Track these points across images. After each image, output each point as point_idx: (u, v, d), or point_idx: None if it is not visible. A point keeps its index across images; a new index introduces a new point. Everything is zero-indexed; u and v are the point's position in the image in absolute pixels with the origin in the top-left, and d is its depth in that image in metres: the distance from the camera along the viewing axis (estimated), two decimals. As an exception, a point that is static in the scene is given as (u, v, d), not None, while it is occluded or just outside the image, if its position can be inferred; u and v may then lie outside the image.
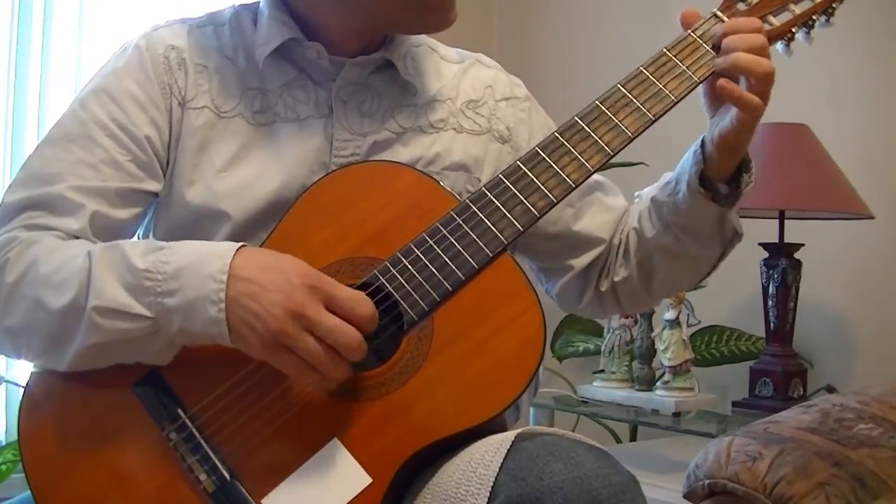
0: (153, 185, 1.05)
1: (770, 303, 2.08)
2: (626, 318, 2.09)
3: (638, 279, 1.17)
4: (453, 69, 1.19)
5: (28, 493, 0.95)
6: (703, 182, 1.06)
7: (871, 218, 2.02)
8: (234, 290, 0.90)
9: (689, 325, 2.01)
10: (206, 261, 0.91)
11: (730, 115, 1.02)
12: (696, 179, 1.06)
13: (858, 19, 2.01)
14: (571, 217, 1.18)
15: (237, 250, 0.92)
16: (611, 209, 1.21)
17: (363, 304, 0.91)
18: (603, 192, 1.22)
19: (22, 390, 0.98)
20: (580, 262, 1.20)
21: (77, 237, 0.99)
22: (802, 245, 2.08)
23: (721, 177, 1.07)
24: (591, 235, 1.19)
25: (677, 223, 1.10)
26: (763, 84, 0.99)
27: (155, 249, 0.93)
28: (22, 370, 2.08)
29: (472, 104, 1.17)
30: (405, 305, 0.96)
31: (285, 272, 0.90)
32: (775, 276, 2.06)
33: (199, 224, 1.05)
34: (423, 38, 1.18)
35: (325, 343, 0.88)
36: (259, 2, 1.12)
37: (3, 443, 2.12)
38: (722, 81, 1.01)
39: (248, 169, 1.06)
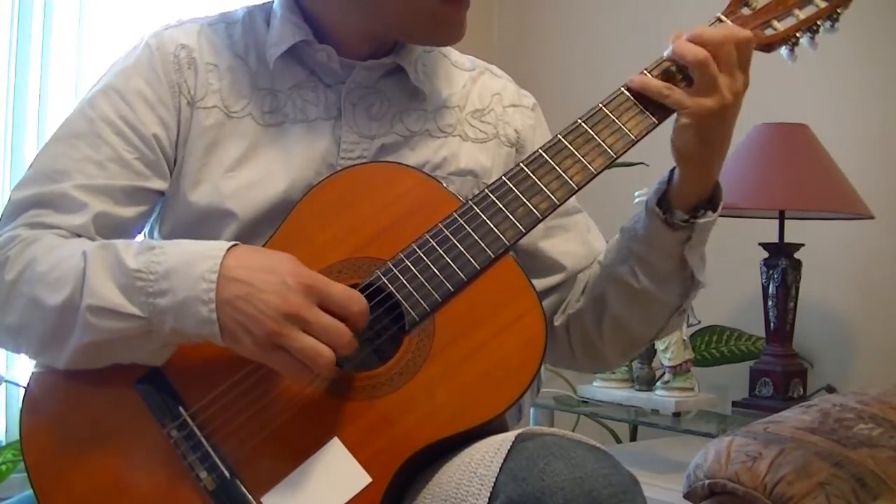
0: (159, 184, 1.05)
1: (770, 303, 2.08)
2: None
3: (590, 314, 1.13)
4: (464, 76, 1.18)
5: (28, 492, 0.95)
6: (662, 205, 1.04)
7: (871, 218, 2.02)
8: (227, 291, 0.89)
9: (689, 325, 2.01)
10: (197, 261, 0.91)
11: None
12: (655, 198, 1.04)
13: (859, 19, 2.01)
14: (539, 233, 1.15)
15: (228, 250, 0.92)
16: (585, 245, 1.18)
17: (357, 301, 0.91)
18: (585, 226, 1.20)
19: (22, 390, 0.98)
20: (538, 284, 1.14)
21: (79, 234, 1.00)
22: (802, 245, 2.08)
23: (684, 204, 1.03)
24: (553, 259, 1.16)
25: (634, 251, 1.07)
26: (697, 72, 0.97)
27: (147, 249, 0.93)
28: (22, 370, 2.08)
29: (478, 113, 1.16)
30: (407, 306, 0.96)
31: (279, 273, 0.90)
32: (775, 276, 2.07)
33: (205, 223, 1.05)
34: None
35: (319, 340, 0.89)
36: (272, 2, 1.12)
37: (3, 443, 2.12)
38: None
39: (256, 169, 1.06)
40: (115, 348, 0.93)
